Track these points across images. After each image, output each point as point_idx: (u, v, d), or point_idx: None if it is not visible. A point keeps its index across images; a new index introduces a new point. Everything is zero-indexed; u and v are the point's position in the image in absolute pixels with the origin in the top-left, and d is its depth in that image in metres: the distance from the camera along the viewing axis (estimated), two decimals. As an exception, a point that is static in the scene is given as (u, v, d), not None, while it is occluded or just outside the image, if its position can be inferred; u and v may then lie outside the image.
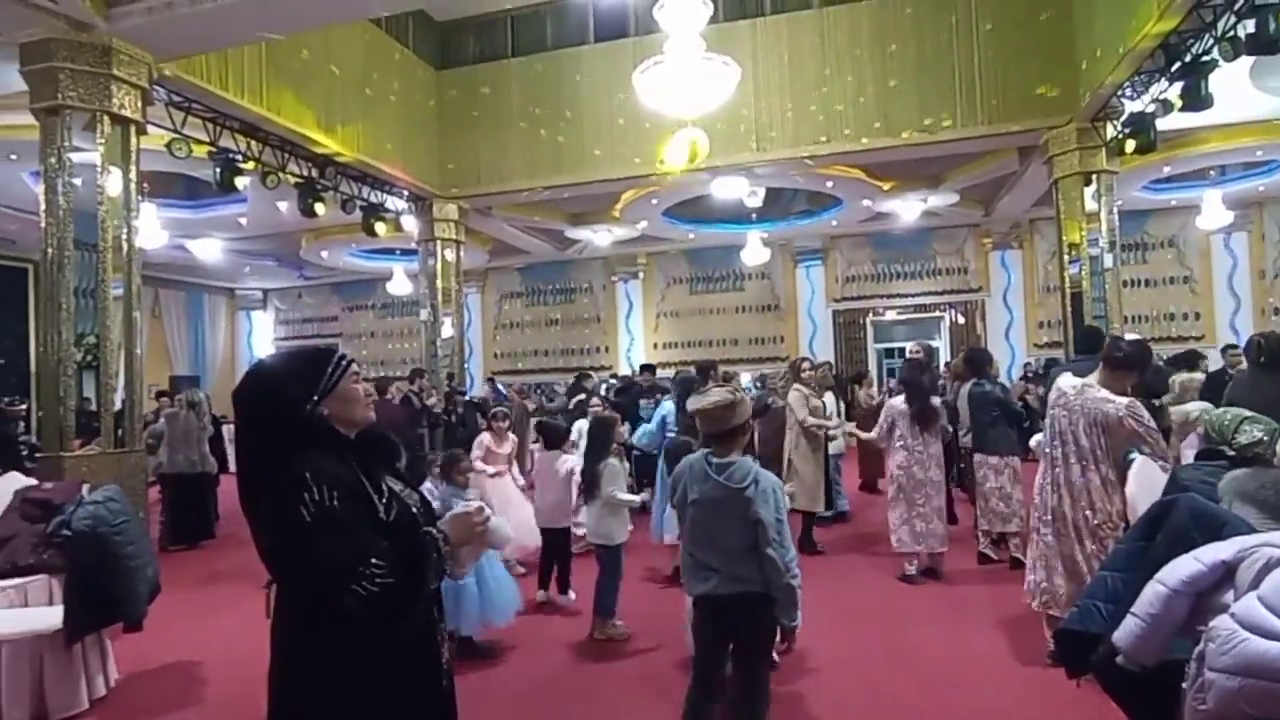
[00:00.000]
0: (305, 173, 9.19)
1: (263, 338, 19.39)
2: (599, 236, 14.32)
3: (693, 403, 2.72)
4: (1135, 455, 3.64)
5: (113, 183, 6.09)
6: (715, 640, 2.75)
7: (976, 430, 5.95)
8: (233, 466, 10.37)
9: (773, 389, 7.84)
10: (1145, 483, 3.21)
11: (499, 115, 11.06)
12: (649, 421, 6.99)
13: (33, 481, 5.06)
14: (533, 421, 9.88)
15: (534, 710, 3.75)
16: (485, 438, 6.41)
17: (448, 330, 11.42)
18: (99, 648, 3.94)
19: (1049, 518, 3.83)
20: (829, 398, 7.40)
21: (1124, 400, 3.57)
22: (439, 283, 11.31)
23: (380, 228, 10.39)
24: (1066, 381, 3.87)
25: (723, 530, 2.61)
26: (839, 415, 8.16)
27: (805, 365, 6.90)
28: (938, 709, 3.53)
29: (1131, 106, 7.89)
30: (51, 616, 3.72)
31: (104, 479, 5.17)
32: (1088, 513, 3.68)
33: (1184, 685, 1.82)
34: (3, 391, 10.91)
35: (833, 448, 7.20)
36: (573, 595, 5.36)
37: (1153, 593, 1.93)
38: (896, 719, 3.48)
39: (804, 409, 6.46)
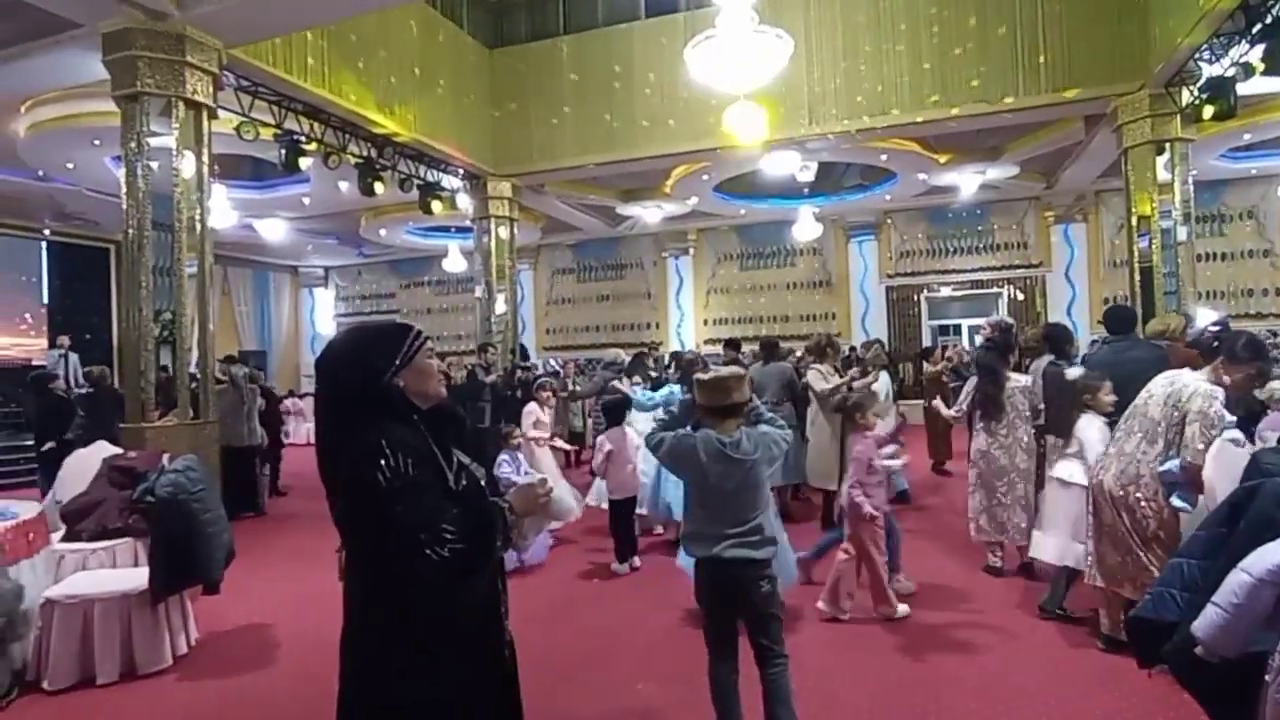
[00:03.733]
0: (365, 153, 9.44)
1: (324, 314, 20.04)
2: (649, 213, 14.31)
3: (704, 375, 2.84)
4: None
5: (187, 165, 6.37)
6: (720, 605, 2.81)
7: (1050, 412, 5.45)
8: (287, 439, 10.82)
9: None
10: (1224, 466, 3.04)
11: (551, 93, 11.11)
12: None
13: (119, 450, 5.39)
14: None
15: (600, 677, 3.74)
16: (533, 407, 6.60)
17: (501, 306, 11.62)
18: (180, 608, 4.13)
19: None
20: (883, 378, 7.20)
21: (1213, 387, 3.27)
22: (493, 260, 11.50)
23: (436, 206, 10.62)
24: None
25: (737, 500, 2.73)
26: (891, 396, 7.94)
27: (828, 347, 6.59)
28: (999, 699, 3.33)
29: (1209, 70, 7.50)
30: (138, 577, 3.94)
31: (180, 449, 5.43)
32: (1122, 482, 3.51)
33: (1266, 679, 1.75)
34: (89, 365, 11.52)
35: (882, 426, 7.01)
36: (637, 562, 5.56)
37: (1236, 582, 1.85)
38: (954, 707, 3.30)
39: (822, 383, 6.30)
